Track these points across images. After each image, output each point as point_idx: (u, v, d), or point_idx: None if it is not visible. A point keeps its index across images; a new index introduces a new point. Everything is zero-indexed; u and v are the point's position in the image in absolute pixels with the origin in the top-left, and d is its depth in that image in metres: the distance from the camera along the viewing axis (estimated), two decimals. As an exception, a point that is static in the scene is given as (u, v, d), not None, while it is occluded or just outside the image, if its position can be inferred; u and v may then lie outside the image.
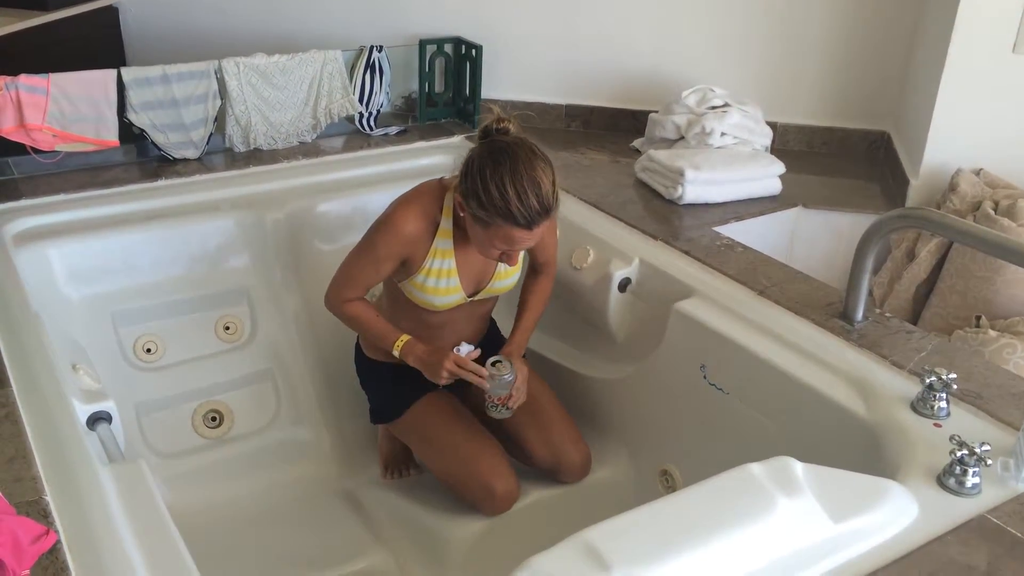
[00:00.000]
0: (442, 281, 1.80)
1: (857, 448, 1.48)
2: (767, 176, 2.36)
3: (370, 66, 2.63)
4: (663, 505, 1.19)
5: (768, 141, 2.55)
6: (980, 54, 2.23)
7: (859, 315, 1.72)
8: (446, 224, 1.77)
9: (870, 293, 1.85)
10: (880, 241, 1.66)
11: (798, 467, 1.23)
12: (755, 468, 1.22)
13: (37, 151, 2.24)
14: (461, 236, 1.78)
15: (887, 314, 1.78)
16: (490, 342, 2.07)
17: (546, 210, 1.63)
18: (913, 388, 1.51)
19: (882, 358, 1.61)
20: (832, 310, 1.76)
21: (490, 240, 1.67)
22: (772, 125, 2.62)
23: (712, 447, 1.81)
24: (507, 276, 1.88)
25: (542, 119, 2.89)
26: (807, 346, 1.65)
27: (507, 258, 1.72)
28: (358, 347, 2.05)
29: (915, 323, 2.16)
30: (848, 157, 2.74)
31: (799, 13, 2.68)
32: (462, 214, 1.71)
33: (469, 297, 1.86)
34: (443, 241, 1.77)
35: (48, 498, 1.21)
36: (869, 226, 1.67)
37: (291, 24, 2.97)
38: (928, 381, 1.46)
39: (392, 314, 1.92)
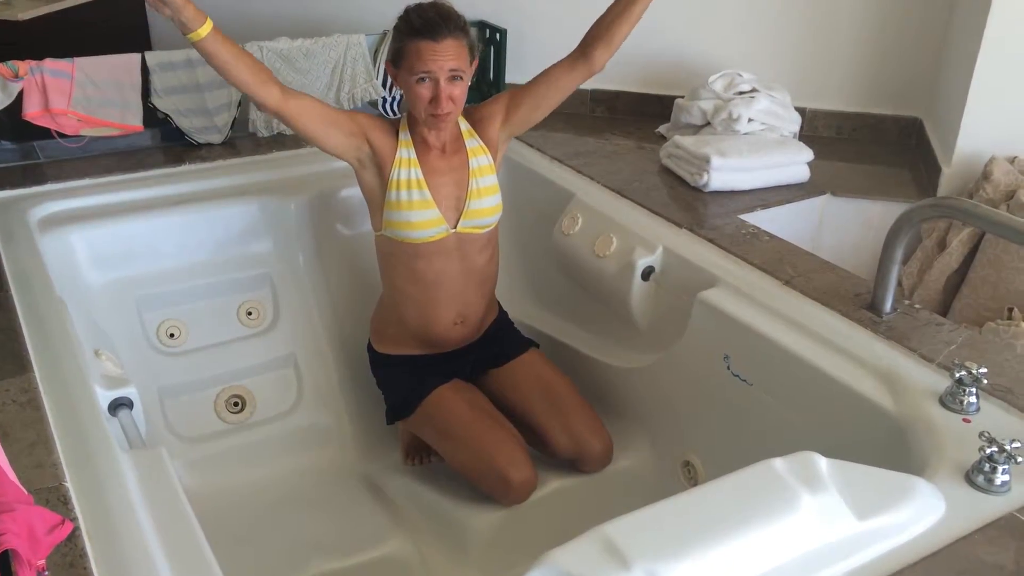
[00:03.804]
0: (415, 192, 1.82)
1: (884, 443, 1.45)
2: (795, 163, 2.32)
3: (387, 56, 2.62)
4: (684, 500, 1.17)
5: (796, 127, 2.51)
6: (1016, 39, 2.17)
7: (888, 306, 1.68)
8: (405, 136, 1.85)
9: (899, 283, 1.82)
10: (910, 231, 1.63)
11: (822, 462, 1.21)
12: (778, 463, 1.20)
13: (62, 135, 2.25)
14: (423, 147, 1.85)
15: (916, 305, 1.74)
16: (501, 332, 2.06)
17: (444, 16, 1.74)
18: (942, 382, 1.48)
19: (911, 351, 1.58)
20: (860, 301, 1.73)
21: (410, 75, 1.74)
22: (801, 111, 2.58)
23: (736, 439, 1.79)
24: (484, 195, 1.88)
25: (566, 104, 2.80)
26: (834, 338, 1.62)
27: (435, 104, 1.74)
28: (370, 345, 2.05)
29: (945, 314, 2.12)
30: (878, 144, 2.69)
31: (830, -4, 2.63)
32: (394, 81, 1.83)
33: (452, 228, 1.85)
34: (406, 150, 1.84)
35: (68, 484, 1.21)
36: (899, 215, 1.63)
37: (315, 8, 2.96)
38: (958, 375, 1.43)
39: (390, 281, 1.95)
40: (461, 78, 1.77)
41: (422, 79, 1.74)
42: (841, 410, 1.54)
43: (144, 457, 1.34)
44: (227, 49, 1.65)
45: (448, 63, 1.73)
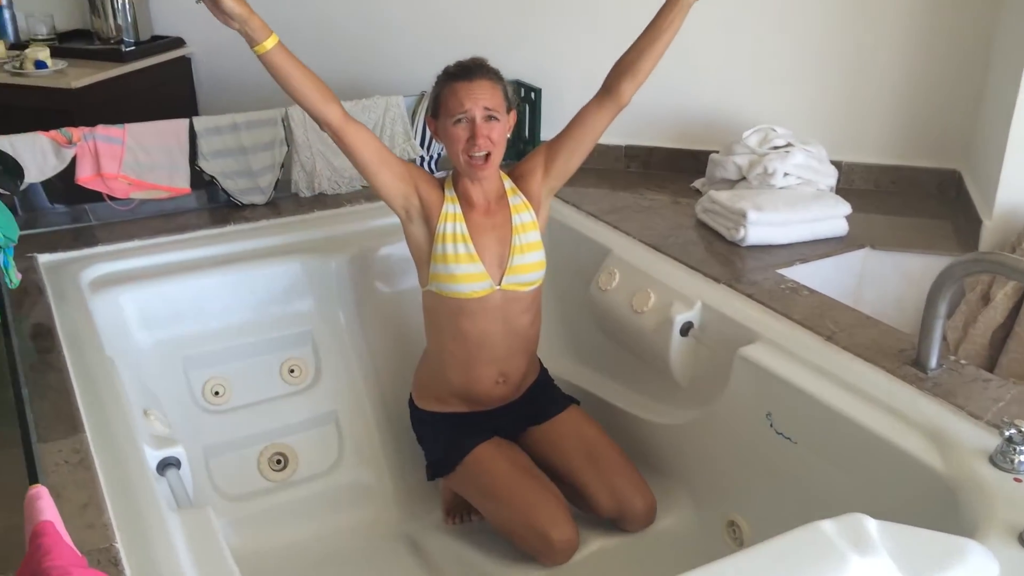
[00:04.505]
0: (460, 246, 1.85)
1: (933, 503, 1.43)
2: (833, 217, 2.32)
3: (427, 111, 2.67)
4: (730, 565, 1.15)
5: (833, 181, 2.50)
6: (1055, 89, 2.16)
7: (933, 362, 1.66)
8: (450, 192, 1.90)
9: (944, 338, 1.80)
10: (953, 286, 1.61)
11: (871, 524, 1.19)
12: (826, 525, 1.18)
13: (113, 198, 2.32)
14: (467, 205, 1.89)
15: (962, 361, 1.72)
16: (542, 390, 2.07)
17: (479, 64, 1.83)
18: (992, 440, 1.45)
19: (958, 408, 1.55)
20: (904, 357, 1.71)
21: (448, 119, 1.80)
22: (837, 164, 2.58)
23: (781, 498, 1.77)
24: (527, 251, 1.90)
25: (600, 160, 2.88)
26: (879, 395, 1.61)
27: (472, 142, 1.79)
28: (411, 401, 2.07)
29: (992, 370, 2.09)
30: (917, 197, 2.68)
31: (863, 49, 2.64)
32: (434, 135, 1.90)
33: (496, 285, 1.87)
34: (451, 205, 1.89)
35: (118, 545, 1.23)
36: (941, 271, 1.62)
37: (355, 71, 3.04)
38: (1007, 433, 1.40)
39: (435, 338, 1.97)
40: (497, 119, 1.81)
41: (459, 120, 1.80)
42: (888, 469, 1.52)
43: (192, 517, 1.36)
44: (292, 64, 1.70)
45: (483, 100, 1.79)
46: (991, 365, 2.12)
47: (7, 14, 3.13)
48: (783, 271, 2.12)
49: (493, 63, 1.88)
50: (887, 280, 2.31)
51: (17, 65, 2.83)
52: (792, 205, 2.28)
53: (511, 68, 2.82)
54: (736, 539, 1.88)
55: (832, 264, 2.24)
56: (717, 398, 1.90)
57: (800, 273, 2.13)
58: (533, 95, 2.84)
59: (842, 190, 2.56)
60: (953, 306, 2.26)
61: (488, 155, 1.81)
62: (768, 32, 2.70)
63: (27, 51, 2.85)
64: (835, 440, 1.62)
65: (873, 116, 2.70)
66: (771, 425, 1.75)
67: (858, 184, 2.73)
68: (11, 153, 2.13)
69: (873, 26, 2.61)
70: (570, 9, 2.84)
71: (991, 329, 2.12)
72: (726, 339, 1.91)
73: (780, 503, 1.76)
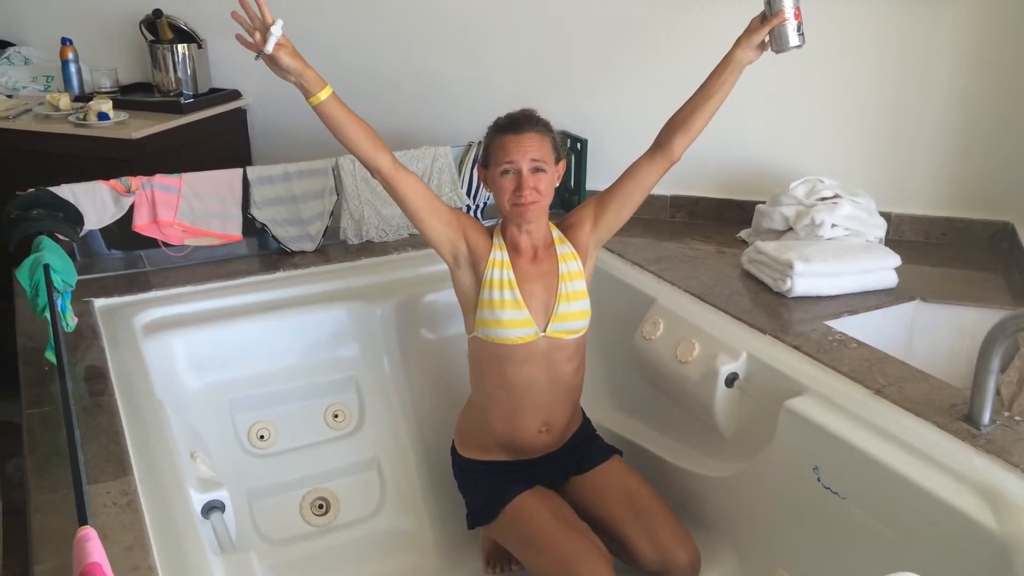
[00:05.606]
0: (506, 292, 1.87)
1: (986, 563, 1.38)
2: (882, 268, 2.29)
3: (478, 160, 2.72)
4: (775, 622, 1.13)
5: (882, 233, 2.48)
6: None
7: (986, 418, 1.62)
8: (499, 240, 1.93)
9: (997, 393, 1.76)
10: (1006, 340, 1.58)
11: (922, 585, 1.15)
12: (875, 585, 1.15)
13: (168, 245, 2.39)
14: (514, 253, 1.92)
15: (1016, 417, 1.67)
16: (584, 440, 2.06)
17: (528, 116, 1.87)
18: (1049, 500, 1.41)
19: (1012, 466, 1.51)
20: (956, 412, 1.67)
21: (496, 169, 1.85)
22: (886, 216, 2.56)
23: (828, 553, 1.72)
24: (572, 300, 1.91)
25: (647, 209, 2.87)
26: (929, 451, 1.57)
27: (518, 192, 1.82)
28: (453, 449, 2.07)
29: (1049, 425, 2.03)
30: (969, 249, 2.63)
31: (912, 99, 2.63)
32: (484, 184, 1.94)
33: (542, 332, 1.88)
34: (499, 252, 1.91)
35: (163, 588, 1.25)
36: (994, 325, 1.59)
37: (405, 122, 3.10)
38: (1065, 493, 1.36)
39: (479, 385, 1.98)
40: (544, 170, 1.84)
41: (506, 171, 1.83)
42: (940, 527, 1.48)
43: (234, 562, 1.37)
44: (345, 114, 1.75)
45: (530, 152, 1.82)
46: (1048, 422, 2.06)
47: (73, 68, 3.26)
48: (831, 323, 2.10)
49: (540, 115, 1.91)
50: (938, 333, 2.26)
51: (81, 116, 2.94)
52: (840, 256, 2.26)
53: (557, 119, 2.85)
54: (782, 597, 1.84)
55: (881, 316, 2.21)
56: (763, 450, 1.87)
57: (848, 325, 2.10)
58: (579, 145, 2.87)
59: (891, 242, 2.53)
60: (1007, 360, 2.20)
61: (533, 202, 1.84)
62: (816, 83, 2.70)
63: (91, 103, 2.96)
64: (884, 496, 1.58)
65: (923, 167, 2.67)
66: (819, 479, 1.72)
67: (908, 236, 2.70)
68: (72, 201, 2.21)
69: (923, 77, 2.60)
70: (615, 62, 2.87)
71: (1048, 385, 2.06)
72: (772, 391, 1.89)
73: (827, 559, 1.72)
